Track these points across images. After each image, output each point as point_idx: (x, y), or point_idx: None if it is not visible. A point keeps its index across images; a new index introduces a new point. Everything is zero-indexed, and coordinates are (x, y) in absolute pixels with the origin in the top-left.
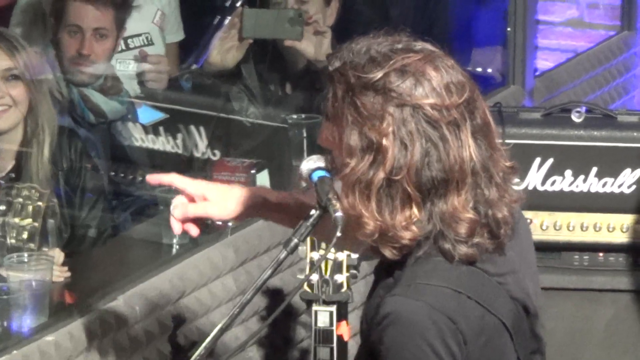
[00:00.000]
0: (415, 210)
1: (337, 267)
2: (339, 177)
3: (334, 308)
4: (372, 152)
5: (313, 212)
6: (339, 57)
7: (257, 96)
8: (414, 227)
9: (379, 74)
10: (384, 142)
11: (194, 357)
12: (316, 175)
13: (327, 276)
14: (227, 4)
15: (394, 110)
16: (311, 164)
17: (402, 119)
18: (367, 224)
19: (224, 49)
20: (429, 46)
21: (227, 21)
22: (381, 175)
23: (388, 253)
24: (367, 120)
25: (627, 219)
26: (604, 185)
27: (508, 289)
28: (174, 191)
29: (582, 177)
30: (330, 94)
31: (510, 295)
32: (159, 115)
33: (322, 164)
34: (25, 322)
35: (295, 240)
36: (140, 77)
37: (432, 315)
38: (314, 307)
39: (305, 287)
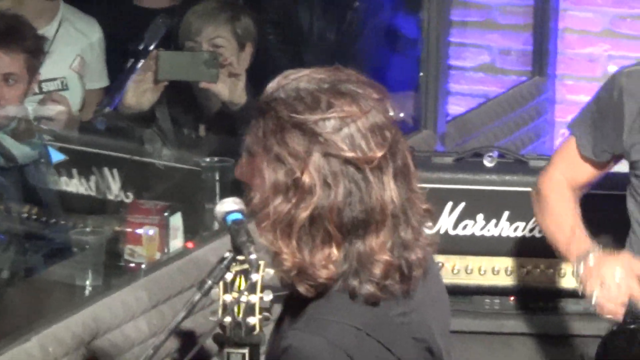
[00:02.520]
0: (334, 249)
1: (250, 310)
2: (260, 214)
3: (246, 350)
4: (296, 191)
5: (227, 254)
6: (270, 92)
7: (171, 139)
8: (331, 266)
9: (308, 117)
10: (309, 181)
11: None
12: (230, 218)
13: (240, 318)
14: (141, 47)
15: (319, 152)
16: (226, 207)
17: (328, 161)
18: (286, 260)
19: (139, 92)
20: (352, 85)
21: (141, 64)
22: (304, 214)
23: (303, 289)
24: (293, 159)
25: (538, 263)
26: (515, 229)
27: (411, 329)
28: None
29: (493, 221)
30: (257, 128)
31: (413, 336)
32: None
33: (236, 207)
34: None
35: (209, 282)
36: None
37: (331, 351)
38: (227, 349)
39: (218, 329)
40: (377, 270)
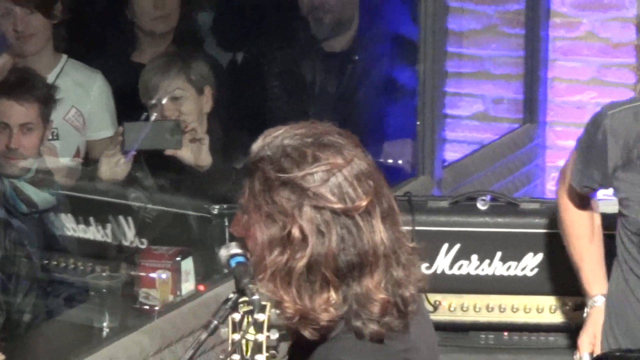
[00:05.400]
0: (332, 293)
1: (257, 348)
2: (258, 268)
3: None
4: (291, 244)
5: (231, 295)
6: (257, 152)
7: (154, 194)
8: (331, 309)
9: (296, 174)
10: (302, 233)
11: None
12: (234, 262)
13: (248, 356)
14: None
15: (310, 207)
16: (229, 250)
17: (319, 211)
18: (288, 307)
19: (112, 164)
20: (333, 137)
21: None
22: (302, 263)
23: (307, 334)
24: (283, 216)
25: (530, 300)
26: (508, 268)
27: None
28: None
29: (487, 261)
30: (247, 188)
31: None
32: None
33: (239, 250)
34: None
35: (215, 322)
36: None
37: None
38: None
39: None
40: (376, 309)
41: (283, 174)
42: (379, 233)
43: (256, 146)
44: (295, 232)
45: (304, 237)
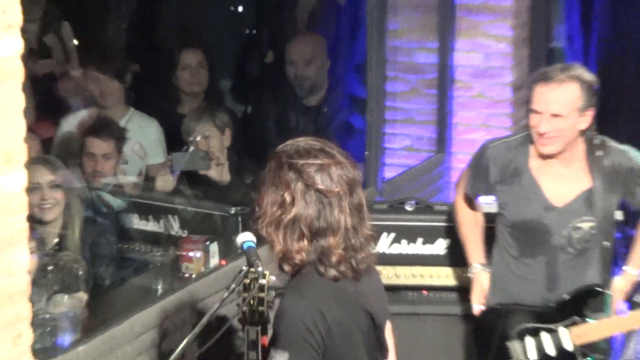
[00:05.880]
0: (305, 242)
1: (260, 302)
2: (262, 218)
3: (259, 327)
4: (284, 205)
5: (244, 268)
6: (280, 149)
7: (191, 201)
8: (303, 254)
9: (300, 162)
10: (293, 199)
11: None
12: (246, 245)
13: (254, 308)
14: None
15: (304, 186)
16: (242, 238)
17: (307, 188)
18: (276, 246)
19: (163, 180)
20: (334, 150)
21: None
22: (288, 217)
23: (286, 268)
24: (284, 187)
25: (440, 270)
26: (426, 249)
27: (360, 302)
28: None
29: (412, 244)
30: (267, 167)
31: (362, 307)
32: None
33: (249, 238)
34: (65, 338)
35: (233, 285)
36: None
37: (307, 305)
38: (246, 327)
39: (241, 314)
40: (334, 259)
41: (291, 160)
42: (344, 214)
43: (279, 147)
44: (288, 197)
45: (293, 202)
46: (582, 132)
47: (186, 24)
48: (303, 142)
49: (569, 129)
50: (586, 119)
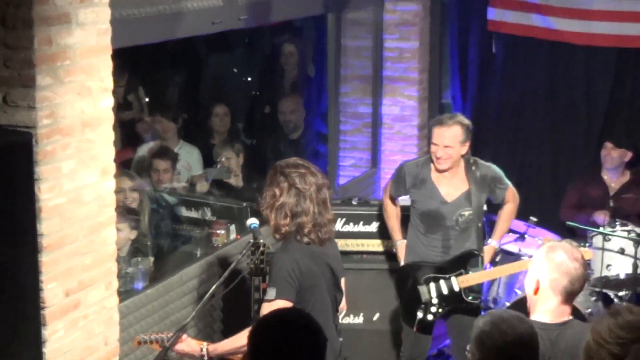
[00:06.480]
0: (288, 220)
1: (261, 262)
2: (265, 204)
3: (261, 277)
4: (275, 196)
5: (251, 241)
6: (278, 163)
7: (218, 198)
8: (287, 227)
9: (287, 170)
10: (281, 193)
11: (192, 316)
12: (252, 226)
13: (258, 265)
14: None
15: (288, 185)
16: (250, 221)
17: (290, 187)
18: (271, 221)
19: (201, 185)
20: (316, 170)
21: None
22: (278, 204)
23: (277, 236)
24: (276, 186)
25: (374, 242)
26: (365, 228)
27: (324, 259)
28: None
29: (357, 225)
30: (268, 175)
31: (325, 262)
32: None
33: (255, 221)
34: (139, 285)
35: (244, 251)
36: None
37: (289, 259)
38: (253, 277)
39: (249, 269)
40: (306, 231)
41: (282, 169)
42: (313, 204)
43: (278, 162)
44: (278, 192)
45: (281, 195)
46: (463, 155)
47: (217, 88)
48: (292, 160)
49: (455, 154)
50: (465, 147)
